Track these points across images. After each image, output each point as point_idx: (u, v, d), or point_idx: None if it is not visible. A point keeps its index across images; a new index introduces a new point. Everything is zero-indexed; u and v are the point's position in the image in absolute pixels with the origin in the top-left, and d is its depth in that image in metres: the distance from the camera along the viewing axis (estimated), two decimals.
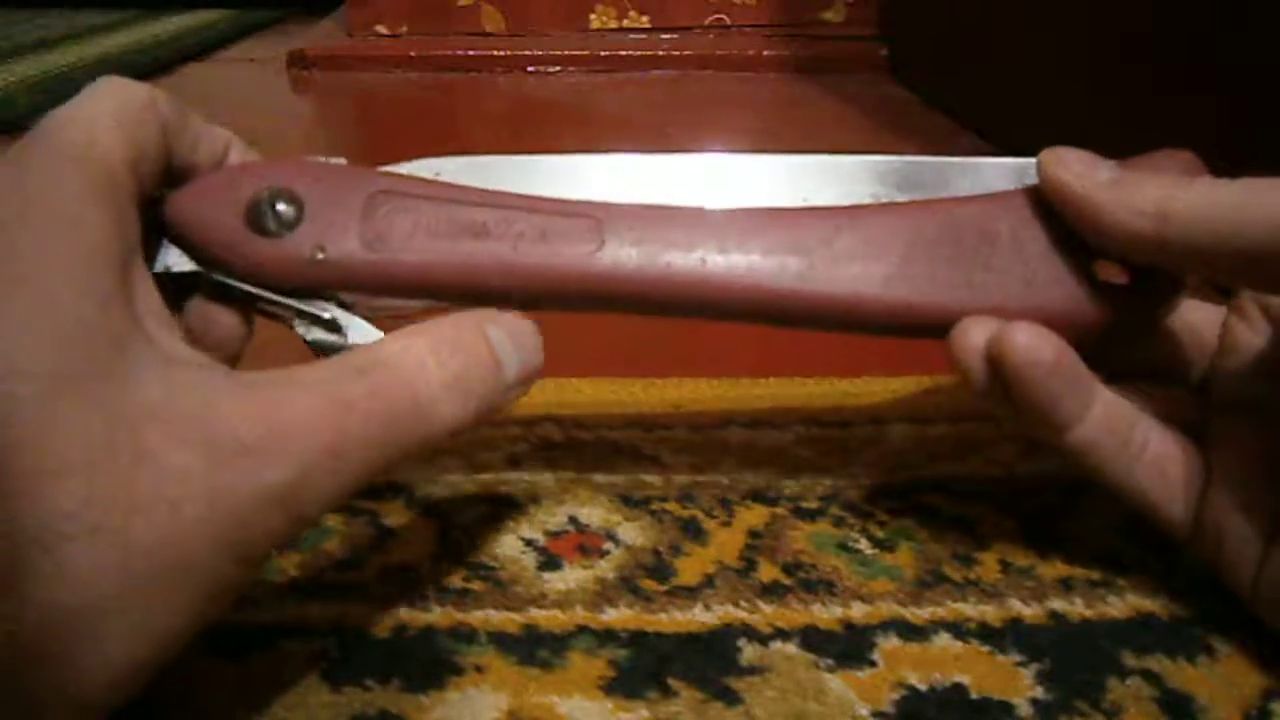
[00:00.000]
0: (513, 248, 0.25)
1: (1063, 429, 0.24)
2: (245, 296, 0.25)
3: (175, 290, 0.25)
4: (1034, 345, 0.23)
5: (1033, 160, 0.26)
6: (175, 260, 0.25)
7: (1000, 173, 0.27)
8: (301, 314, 0.25)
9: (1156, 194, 0.22)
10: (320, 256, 0.25)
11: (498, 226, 0.26)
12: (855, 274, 0.25)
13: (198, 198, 0.25)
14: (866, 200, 0.27)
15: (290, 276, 0.25)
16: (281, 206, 0.25)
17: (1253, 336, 0.25)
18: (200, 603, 0.18)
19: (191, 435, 0.18)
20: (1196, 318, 0.27)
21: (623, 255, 0.25)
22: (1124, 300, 0.25)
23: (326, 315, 0.25)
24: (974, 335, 0.24)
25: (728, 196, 0.27)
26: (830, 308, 0.26)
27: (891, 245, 0.25)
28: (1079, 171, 0.24)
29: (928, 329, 0.26)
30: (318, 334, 0.25)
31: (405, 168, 0.27)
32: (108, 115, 0.21)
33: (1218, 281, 0.25)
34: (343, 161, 0.26)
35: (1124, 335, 0.26)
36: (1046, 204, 0.25)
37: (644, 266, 0.25)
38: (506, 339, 0.22)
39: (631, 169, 0.27)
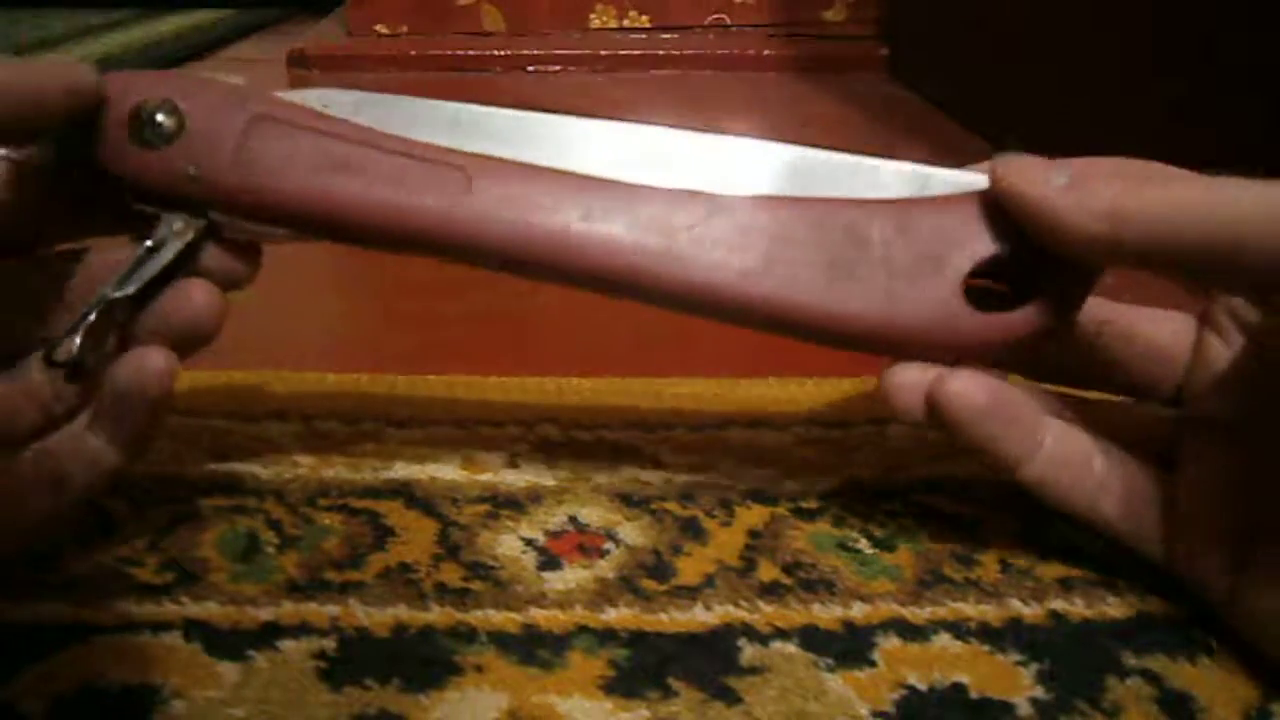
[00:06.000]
0: (372, 188, 0.25)
1: (1012, 467, 0.25)
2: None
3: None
4: (966, 391, 0.24)
5: (936, 170, 0.25)
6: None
7: (898, 179, 0.25)
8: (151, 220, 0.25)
9: (1110, 196, 0.22)
10: (193, 173, 0.25)
11: (362, 166, 0.25)
12: (715, 262, 0.25)
13: None
14: (767, 190, 0.26)
15: (165, 190, 0.25)
16: (161, 119, 0.25)
17: (1224, 350, 0.25)
18: None
19: None
20: (1169, 329, 0.26)
21: (485, 209, 0.25)
22: (996, 323, 0.24)
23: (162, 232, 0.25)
24: (900, 376, 0.25)
25: (618, 165, 0.26)
26: (684, 293, 0.25)
27: (758, 239, 0.25)
28: (1033, 178, 0.23)
29: (781, 329, 0.25)
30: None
31: (296, 95, 0.26)
32: None
33: (1177, 280, 0.24)
34: (239, 81, 0.26)
35: (1001, 354, 0.25)
36: (925, 217, 0.25)
37: (504, 224, 0.25)
38: None
39: (527, 125, 0.26)
